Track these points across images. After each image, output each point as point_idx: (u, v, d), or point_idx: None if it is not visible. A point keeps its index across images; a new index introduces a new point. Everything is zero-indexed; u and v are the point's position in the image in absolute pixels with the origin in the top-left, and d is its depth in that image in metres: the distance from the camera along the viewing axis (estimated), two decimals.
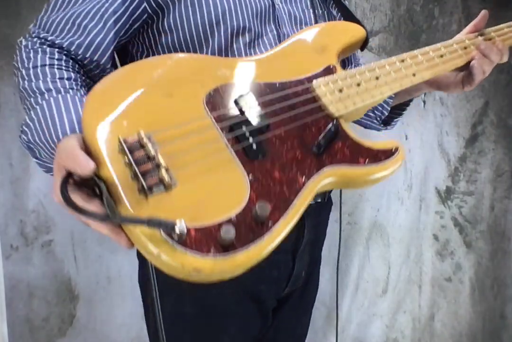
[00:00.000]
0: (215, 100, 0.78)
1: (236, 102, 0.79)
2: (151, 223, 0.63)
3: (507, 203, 2.18)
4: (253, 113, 0.80)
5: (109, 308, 1.60)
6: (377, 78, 0.91)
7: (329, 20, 1.05)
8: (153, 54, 0.93)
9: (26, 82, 0.82)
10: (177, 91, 0.77)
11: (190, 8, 0.88)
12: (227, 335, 0.93)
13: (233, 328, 0.93)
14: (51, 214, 1.47)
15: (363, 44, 0.97)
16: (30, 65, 0.83)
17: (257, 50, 0.94)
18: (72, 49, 0.86)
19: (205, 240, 0.65)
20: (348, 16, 1.04)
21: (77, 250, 1.48)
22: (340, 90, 0.87)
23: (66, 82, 0.84)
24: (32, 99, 0.81)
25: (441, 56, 0.98)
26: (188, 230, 0.64)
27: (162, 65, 0.80)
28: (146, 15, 0.88)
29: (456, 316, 2.20)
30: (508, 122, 2.13)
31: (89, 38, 0.86)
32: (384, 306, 2.07)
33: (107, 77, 0.78)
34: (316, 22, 1.02)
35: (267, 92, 0.83)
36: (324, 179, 0.80)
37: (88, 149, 0.71)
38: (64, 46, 0.85)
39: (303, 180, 0.78)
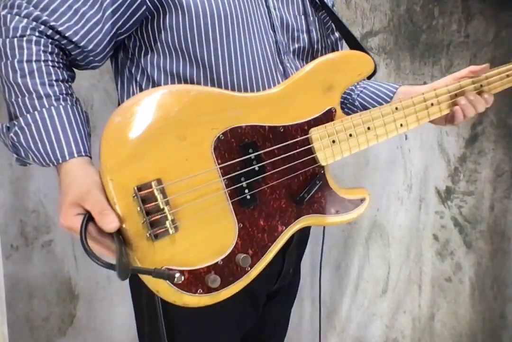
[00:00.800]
0: (222, 145, 0.84)
1: (241, 148, 0.85)
2: (156, 274, 0.74)
3: (507, 203, 2.17)
4: (255, 164, 0.87)
5: (109, 308, 1.60)
6: (369, 129, 0.97)
7: (320, 28, 1.05)
8: (152, 51, 0.91)
9: (18, 76, 0.79)
10: (189, 133, 0.81)
11: (193, 9, 0.87)
12: (227, 333, 0.96)
13: (232, 325, 0.97)
14: (51, 214, 1.47)
15: (371, 74, 1.02)
16: (24, 58, 0.79)
17: (262, 55, 0.94)
18: (67, 35, 0.82)
19: (195, 281, 0.80)
20: (340, 26, 1.06)
21: (77, 250, 1.48)
22: (333, 141, 0.94)
23: (62, 86, 0.82)
24: (27, 100, 0.79)
25: (432, 104, 1.05)
26: (182, 272, 0.78)
27: (178, 102, 0.81)
28: (144, 7, 0.86)
29: (456, 316, 2.20)
30: (508, 122, 2.13)
31: (87, 27, 0.83)
32: (384, 306, 2.08)
33: (123, 109, 0.79)
34: (308, 29, 1.02)
35: (270, 139, 0.89)
36: (298, 226, 0.92)
37: (103, 187, 0.77)
38: (60, 30, 0.81)
39: (282, 228, 0.90)
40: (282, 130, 0.90)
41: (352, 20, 1.84)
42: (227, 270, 0.83)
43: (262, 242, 0.87)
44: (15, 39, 0.79)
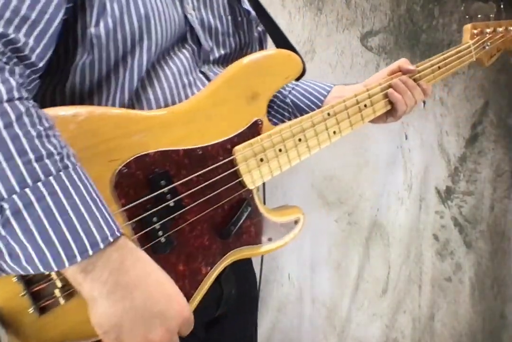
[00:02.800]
0: (126, 180, 0.66)
1: (150, 181, 0.68)
2: None
3: (507, 203, 2.17)
4: (169, 199, 0.70)
5: None
6: (300, 140, 0.85)
7: (249, 31, 0.91)
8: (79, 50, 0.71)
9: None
10: (85, 167, 0.60)
11: (116, 9, 0.70)
12: None
13: None
14: None
15: (299, 76, 0.88)
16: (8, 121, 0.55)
17: (175, 65, 0.79)
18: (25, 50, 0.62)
19: None
20: (276, 33, 0.92)
21: None
22: (261, 160, 0.80)
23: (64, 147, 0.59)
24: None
25: (365, 106, 0.95)
26: None
27: (64, 131, 0.61)
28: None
29: (456, 316, 2.20)
30: (508, 122, 2.13)
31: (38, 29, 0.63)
32: (384, 306, 2.07)
33: None
34: (236, 32, 0.88)
35: (186, 165, 0.72)
36: (225, 262, 0.78)
37: None
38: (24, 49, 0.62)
39: (206, 269, 0.75)
40: (200, 153, 0.74)
41: (352, 20, 1.83)
42: None
43: (183, 290, 0.66)
44: None
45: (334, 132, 0.90)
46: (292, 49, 0.87)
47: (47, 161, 0.56)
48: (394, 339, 2.12)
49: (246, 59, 0.81)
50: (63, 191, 0.55)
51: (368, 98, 0.95)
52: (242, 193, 0.79)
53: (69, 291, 0.61)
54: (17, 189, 0.54)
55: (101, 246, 0.56)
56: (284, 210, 0.87)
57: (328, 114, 0.88)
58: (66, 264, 0.54)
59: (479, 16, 1.23)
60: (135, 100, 0.74)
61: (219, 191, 0.76)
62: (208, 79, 0.83)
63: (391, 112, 1.00)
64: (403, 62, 1.02)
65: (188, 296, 0.72)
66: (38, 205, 0.54)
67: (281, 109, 1.06)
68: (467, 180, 2.13)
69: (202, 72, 0.83)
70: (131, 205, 0.66)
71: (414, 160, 2.04)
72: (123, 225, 0.66)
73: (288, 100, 1.05)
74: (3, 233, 0.54)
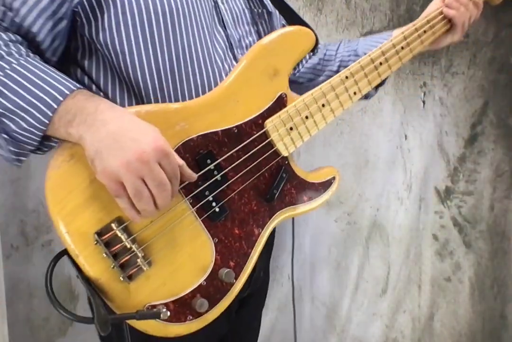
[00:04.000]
0: None
1: (198, 162, 0.79)
2: (140, 316, 0.70)
3: (507, 203, 2.17)
4: (216, 174, 0.81)
5: None
6: (323, 106, 0.92)
7: (269, 19, 1.00)
8: (93, 53, 0.82)
9: None
10: None
11: (134, 5, 0.78)
12: (199, 339, 0.92)
13: (205, 333, 0.91)
14: None
15: (314, 47, 0.96)
16: None
17: (212, 51, 0.87)
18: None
19: (182, 310, 0.77)
20: (287, 12, 1.00)
21: None
22: (291, 128, 0.90)
23: (17, 46, 0.74)
24: None
25: (380, 64, 1.00)
26: (167, 304, 0.75)
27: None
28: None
29: (456, 316, 2.20)
30: (508, 122, 2.13)
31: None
32: (384, 306, 2.08)
33: (61, 153, 0.72)
34: (254, 21, 0.97)
35: (226, 143, 0.83)
36: (274, 223, 0.89)
37: (60, 238, 0.71)
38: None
39: (259, 231, 0.86)
40: (236, 131, 0.84)
41: (352, 20, 1.84)
42: (212, 288, 0.80)
43: (241, 250, 0.84)
44: None
45: (355, 93, 0.97)
46: (305, 24, 0.95)
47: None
48: (394, 339, 2.12)
49: (262, 41, 0.91)
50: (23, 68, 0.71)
51: (382, 55, 1.01)
52: (279, 160, 0.90)
53: (148, 259, 0.74)
54: None
55: (68, 92, 0.69)
56: (320, 171, 0.98)
57: (346, 77, 0.96)
58: (51, 110, 0.68)
59: None
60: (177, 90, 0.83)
61: (258, 161, 0.86)
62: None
63: (452, 30, 1.10)
64: None
65: (247, 255, 0.85)
66: (7, 91, 0.68)
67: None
68: (467, 180, 2.13)
69: (234, 58, 0.92)
70: (184, 184, 0.77)
71: (413, 161, 2.04)
72: (182, 201, 0.78)
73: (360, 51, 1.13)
74: None
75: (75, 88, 0.71)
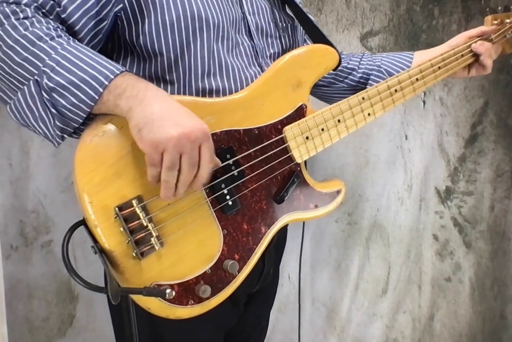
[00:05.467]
0: None
1: (218, 155, 0.82)
2: (147, 292, 0.74)
3: (507, 203, 2.17)
4: (233, 170, 0.86)
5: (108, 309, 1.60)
6: (339, 121, 0.98)
7: (292, 34, 1.06)
8: (129, 55, 0.88)
9: (19, 32, 0.72)
10: None
11: (173, 11, 0.85)
12: (207, 333, 0.97)
13: (212, 325, 0.98)
14: (51, 214, 1.47)
15: (336, 66, 1.02)
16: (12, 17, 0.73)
17: (237, 58, 0.94)
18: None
19: (185, 294, 0.80)
20: (312, 29, 1.05)
21: (76, 250, 1.48)
22: (307, 138, 0.95)
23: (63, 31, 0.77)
24: (42, 44, 0.73)
25: (396, 91, 1.06)
26: (172, 286, 0.78)
27: None
28: (121, 5, 0.83)
29: (456, 316, 2.20)
30: (508, 122, 2.13)
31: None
32: (384, 306, 2.07)
33: (94, 128, 0.76)
34: (278, 34, 1.02)
35: (246, 142, 0.88)
36: (279, 225, 0.93)
37: (82, 208, 0.74)
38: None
39: (265, 229, 0.91)
40: (256, 132, 0.90)
41: (352, 20, 1.83)
42: (216, 277, 0.84)
43: (247, 245, 0.88)
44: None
45: (369, 114, 1.02)
46: (330, 44, 1.01)
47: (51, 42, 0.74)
48: (394, 339, 2.12)
49: (290, 54, 0.96)
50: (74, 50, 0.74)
51: (398, 84, 1.07)
52: (292, 166, 0.95)
53: (161, 239, 0.78)
54: (42, 62, 0.72)
55: (118, 71, 0.73)
56: (328, 182, 1.04)
57: (363, 98, 1.02)
58: (102, 87, 0.72)
59: (499, 8, 1.28)
60: (206, 90, 0.89)
61: (272, 163, 0.92)
62: (263, 70, 0.97)
63: (479, 68, 1.18)
64: (484, 27, 1.20)
65: (252, 250, 0.89)
66: (59, 67, 0.72)
67: (374, 82, 1.18)
68: (467, 180, 2.13)
69: (259, 65, 0.97)
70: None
71: (414, 161, 2.03)
72: (199, 190, 0.82)
73: (382, 68, 1.20)
74: (47, 96, 0.72)
75: (123, 70, 0.76)
